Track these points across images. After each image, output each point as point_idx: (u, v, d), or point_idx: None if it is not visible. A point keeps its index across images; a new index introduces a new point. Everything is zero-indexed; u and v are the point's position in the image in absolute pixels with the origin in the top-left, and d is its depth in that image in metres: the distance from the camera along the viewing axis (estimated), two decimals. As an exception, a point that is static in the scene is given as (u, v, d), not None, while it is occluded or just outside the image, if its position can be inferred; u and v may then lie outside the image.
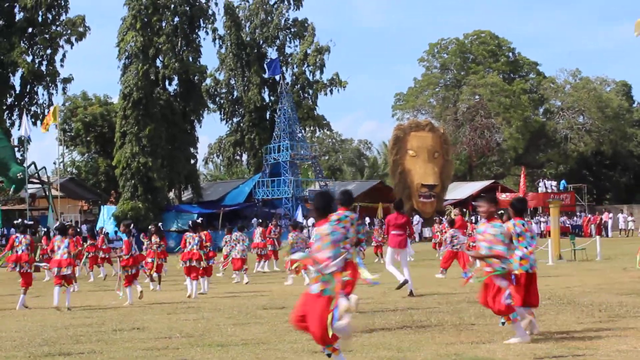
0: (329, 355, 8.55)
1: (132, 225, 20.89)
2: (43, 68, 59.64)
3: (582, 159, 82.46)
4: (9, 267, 19.76)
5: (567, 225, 56.43)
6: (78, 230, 34.29)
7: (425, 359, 9.74)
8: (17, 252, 18.88)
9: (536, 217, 60.64)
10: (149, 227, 26.68)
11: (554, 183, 62.82)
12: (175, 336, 12.47)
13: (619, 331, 11.49)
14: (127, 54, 58.38)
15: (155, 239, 23.85)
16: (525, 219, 11.97)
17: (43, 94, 60.69)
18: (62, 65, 60.57)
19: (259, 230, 30.37)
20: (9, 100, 59.84)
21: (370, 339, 11.52)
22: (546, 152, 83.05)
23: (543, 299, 16.06)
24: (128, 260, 18.95)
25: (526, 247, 11.61)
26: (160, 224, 28.25)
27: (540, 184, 62.57)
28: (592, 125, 78.22)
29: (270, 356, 10.29)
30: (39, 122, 58.23)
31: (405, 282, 17.39)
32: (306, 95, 69.69)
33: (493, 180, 72.98)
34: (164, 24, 59.68)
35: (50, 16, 59.67)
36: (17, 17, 59.19)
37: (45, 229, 42.23)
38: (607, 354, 9.69)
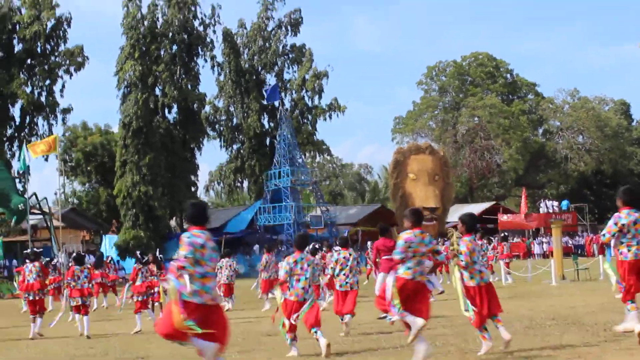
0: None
1: (139, 253, 21.63)
2: (43, 99, 59.75)
3: (583, 179, 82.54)
4: (22, 296, 20.19)
5: (569, 245, 56.39)
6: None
7: (430, 382, 9.72)
8: (28, 281, 19.17)
9: (538, 238, 60.60)
10: (146, 256, 26.79)
11: (556, 203, 62.72)
12: (180, 364, 12.45)
13: (624, 350, 11.47)
14: (126, 83, 58.58)
15: (153, 267, 23.86)
16: (474, 235, 12.39)
17: (43, 125, 60.79)
18: (61, 96, 60.74)
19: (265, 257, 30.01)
20: (9, 131, 59.94)
21: (375, 363, 11.50)
22: (546, 173, 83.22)
23: (547, 319, 16.08)
24: (140, 287, 19.48)
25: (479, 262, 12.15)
26: (158, 251, 28.25)
27: (542, 205, 62.53)
28: (592, 145, 78.37)
29: (275, 382, 10.27)
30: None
31: None
32: (305, 120, 69.79)
33: (494, 202, 73.02)
34: (162, 53, 59.95)
35: (49, 47, 59.85)
36: (16, 49, 59.40)
37: (47, 259, 42.29)
38: (613, 373, 9.68)
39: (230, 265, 25.53)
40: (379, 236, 19.46)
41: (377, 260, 19.05)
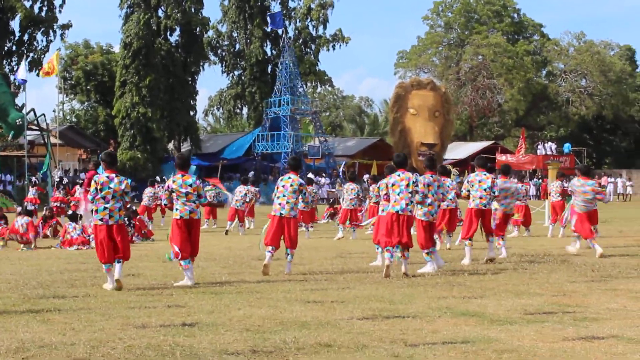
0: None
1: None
2: (43, 14, 59.16)
3: (583, 123, 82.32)
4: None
5: (565, 187, 56.39)
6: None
7: (417, 311, 9.83)
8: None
9: (534, 179, 60.67)
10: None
11: (554, 145, 62.69)
12: (170, 283, 12.57)
13: (610, 291, 11.60)
14: (129, 2, 58.17)
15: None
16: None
17: (42, 40, 60.29)
18: (60, 11, 60.04)
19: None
20: (8, 45, 59.48)
21: (363, 291, 11.62)
22: (547, 115, 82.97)
23: (537, 259, 16.21)
24: None
25: (398, 194, 13.57)
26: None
27: (540, 147, 62.46)
28: (594, 89, 77.93)
29: (262, 304, 10.39)
30: (36, 68, 57.93)
31: None
32: (308, 50, 69.42)
33: (493, 141, 73.01)
34: (166, -27, 59.37)
35: (49, -41, 59.09)
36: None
37: (42, 176, 42.40)
38: (596, 311, 9.80)
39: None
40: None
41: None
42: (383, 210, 14.13)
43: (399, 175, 13.72)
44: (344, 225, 23.14)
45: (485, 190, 15.54)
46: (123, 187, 12.31)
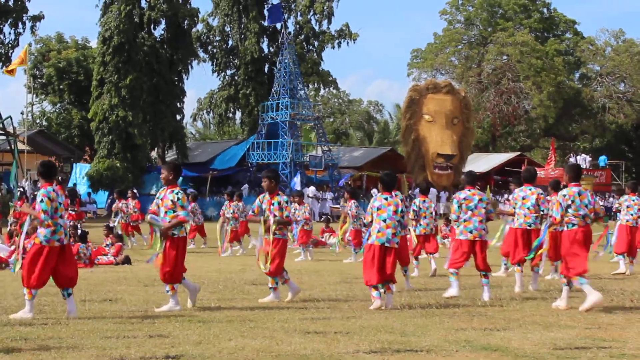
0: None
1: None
2: (10, 3, 59.18)
3: (621, 133, 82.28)
4: None
5: (600, 206, 56.41)
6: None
7: (431, 344, 9.80)
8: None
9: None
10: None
11: (588, 158, 62.64)
12: (152, 310, 12.55)
13: (652, 323, 11.58)
14: (108, -9, 58.13)
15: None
16: (394, 194, 13.63)
17: (10, 33, 60.31)
18: (29, 0, 60.08)
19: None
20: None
21: (371, 320, 11.60)
22: (580, 123, 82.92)
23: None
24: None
25: (384, 221, 13.24)
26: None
27: (572, 159, 62.43)
28: (634, 95, 77.95)
29: (257, 334, 10.37)
30: (3, 64, 57.99)
31: None
32: (311, 47, 69.40)
33: (519, 153, 72.93)
34: (151, -40, 59.40)
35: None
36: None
37: (8, 187, 42.40)
38: (636, 347, 9.76)
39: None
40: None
41: None
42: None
43: (386, 199, 13.50)
44: (357, 247, 23.00)
45: (529, 208, 15.66)
46: (65, 199, 12.57)
